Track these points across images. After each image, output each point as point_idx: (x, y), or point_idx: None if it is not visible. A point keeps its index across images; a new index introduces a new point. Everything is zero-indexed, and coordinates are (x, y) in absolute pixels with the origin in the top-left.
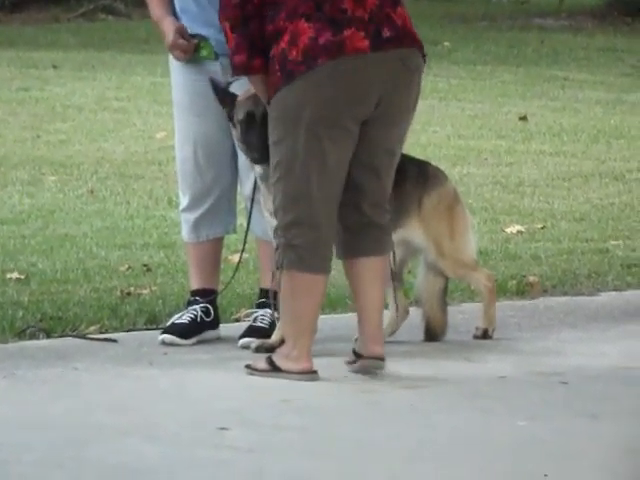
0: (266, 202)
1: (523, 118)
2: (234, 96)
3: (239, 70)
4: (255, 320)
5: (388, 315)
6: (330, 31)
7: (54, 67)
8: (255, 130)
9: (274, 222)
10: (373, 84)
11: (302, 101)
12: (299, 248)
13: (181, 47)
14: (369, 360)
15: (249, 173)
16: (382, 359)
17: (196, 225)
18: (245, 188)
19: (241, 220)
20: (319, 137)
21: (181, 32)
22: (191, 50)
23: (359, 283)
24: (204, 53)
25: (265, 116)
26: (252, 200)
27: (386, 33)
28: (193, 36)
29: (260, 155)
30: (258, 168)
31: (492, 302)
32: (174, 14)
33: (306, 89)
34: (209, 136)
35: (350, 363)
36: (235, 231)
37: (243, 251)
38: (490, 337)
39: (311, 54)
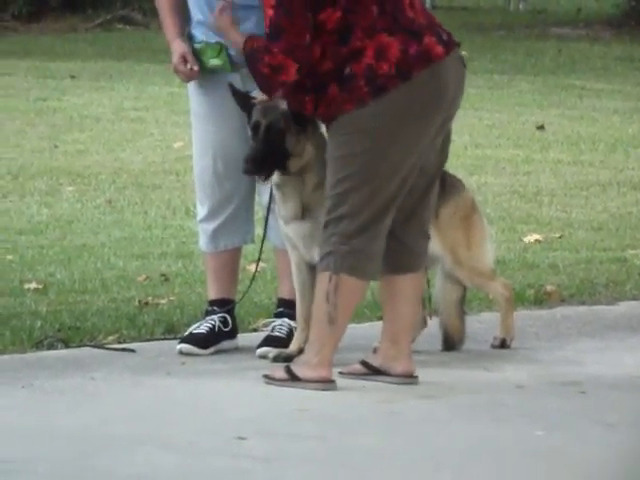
0: (279, 211)
1: (540, 127)
2: (252, 99)
3: (278, 89)
4: (273, 330)
5: None
6: (414, 41)
7: (72, 77)
8: (256, 141)
9: (290, 231)
10: (450, 87)
11: (395, 113)
12: (361, 255)
13: (183, 72)
14: (403, 378)
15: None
16: (416, 376)
17: (214, 235)
18: (264, 197)
19: (259, 230)
20: (409, 150)
21: (185, 57)
22: (194, 76)
23: (396, 300)
24: (214, 63)
25: (269, 129)
26: (268, 209)
27: (444, 35)
28: (207, 44)
29: (253, 166)
30: (276, 177)
31: (510, 311)
32: (189, 25)
33: (399, 101)
34: (228, 146)
35: (359, 375)
36: (253, 241)
37: (259, 260)
38: (508, 347)
39: (404, 66)
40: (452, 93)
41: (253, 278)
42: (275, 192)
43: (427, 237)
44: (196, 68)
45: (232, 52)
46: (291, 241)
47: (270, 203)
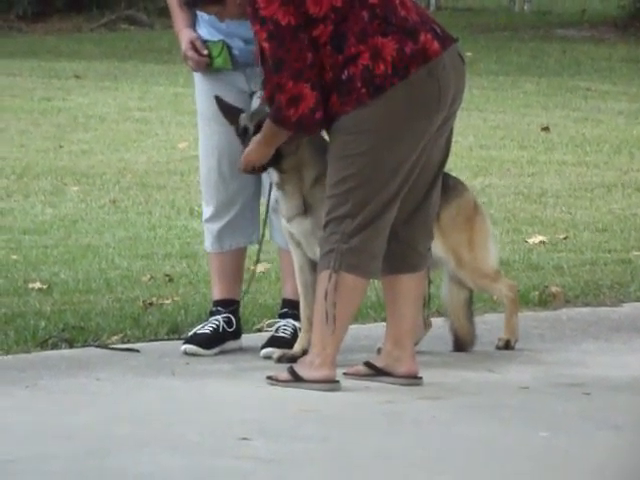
0: (282, 209)
1: (545, 129)
2: (239, 111)
3: (321, 124)
4: (277, 330)
5: None
6: (410, 40)
7: (76, 77)
8: (246, 145)
9: (294, 229)
10: (450, 84)
11: (394, 113)
12: (362, 253)
13: (192, 58)
14: (406, 379)
15: None
16: (420, 377)
17: (220, 235)
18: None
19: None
20: (411, 148)
21: (193, 43)
22: (202, 62)
23: (398, 301)
24: (219, 62)
25: (257, 132)
26: (267, 209)
27: (439, 31)
28: (210, 42)
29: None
30: (275, 176)
31: (514, 313)
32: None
33: (397, 100)
34: (233, 146)
35: (363, 375)
36: (258, 241)
37: (258, 261)
38: (512, 348)
39: (401, 65)
40: (453, 90)
41: (252, 278)
42: (276, 191)
43: (430, 237)
44: (205, 52)
45: (236, 52)
46: (294, 239)
47: (269, 203)
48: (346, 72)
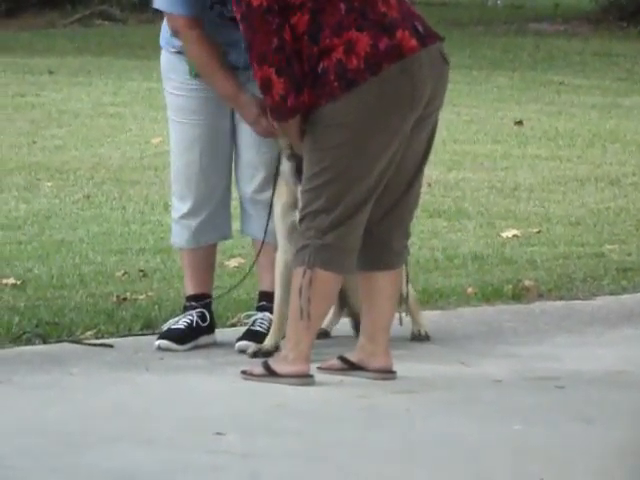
0: (292, 180)
1: (519, 123)
2: None
3: (295, 111)
4: (254, 323)
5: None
6: (385, 36)
7: (50, 73)
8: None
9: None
10: (427, 83)
11: (366, 107)
12: (336, 249)
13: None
14: (380, 374)
15: (255, 173)
16: (394, 372)
17: (198, 231)
18: (246, 189)
19: (236, 225)
20: (384, 145)
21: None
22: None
23: (374, 297)
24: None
25: None
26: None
27: (421, 29)
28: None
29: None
30: (285, 144)
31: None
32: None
33: (370, 95)
34: (214, 138)
35: (337, 370)
36: (232, 236)
37: (259, 254)
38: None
39: (373, 61)
40: (429, 89)
41: (252, 267)
42: (286, 162)
43: (407, 235)
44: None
45: (231, 58)
46: (293, 227)
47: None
48: (321, 65)
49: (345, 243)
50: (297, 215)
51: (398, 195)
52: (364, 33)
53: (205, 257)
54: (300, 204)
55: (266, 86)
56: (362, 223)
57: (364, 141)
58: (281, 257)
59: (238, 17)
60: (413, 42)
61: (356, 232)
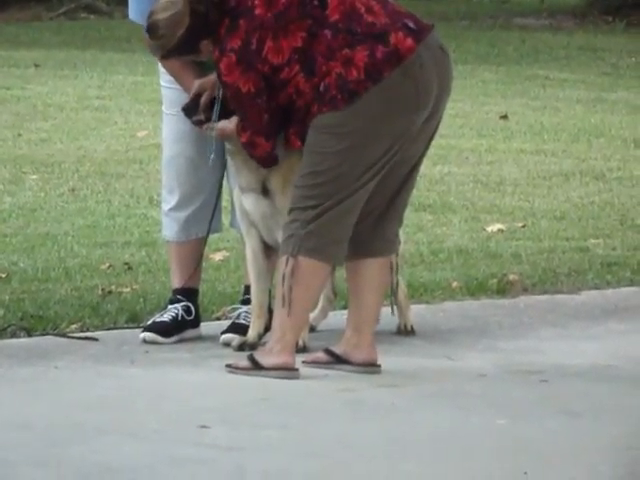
0: (237, 180)
1: (504, 117)
2: (197, 101)
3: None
4: (239, 317)
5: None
6: (380, 43)
7: (36, 66)
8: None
9: (248, 203)
10: (432, 81)
11: (369, 116)
12: (321, 238)
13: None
14: (365, 367)
15: None
16: (378, 365)
17: (187, 223)
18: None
19: (226, 219)
20: (388, 147)
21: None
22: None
23: (361, 289)
24: None
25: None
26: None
27: (412, 24)
28: None
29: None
30: (228, 145)
31: None
32: None
33: (373, 105)
34: (203, 133)
35: (323, 363)
36: (222, 229)
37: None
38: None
39: (373, 70)
40: (436, 85)
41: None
42: (230, 161)
43: (400, 222)
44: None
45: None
46: (249, 218)
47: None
48: (322, 84)
49: (331, 231)
50: (243, 198)
51: (396, 187)
52: (358, 48)
53: (194, 250)
54: (291, 199)
55: (252, 145)
56: (350, 213)
57: (367, 146)
58: (247, 246)
59: (227, 94)
60: (409, 41)
61: (344, 221)
